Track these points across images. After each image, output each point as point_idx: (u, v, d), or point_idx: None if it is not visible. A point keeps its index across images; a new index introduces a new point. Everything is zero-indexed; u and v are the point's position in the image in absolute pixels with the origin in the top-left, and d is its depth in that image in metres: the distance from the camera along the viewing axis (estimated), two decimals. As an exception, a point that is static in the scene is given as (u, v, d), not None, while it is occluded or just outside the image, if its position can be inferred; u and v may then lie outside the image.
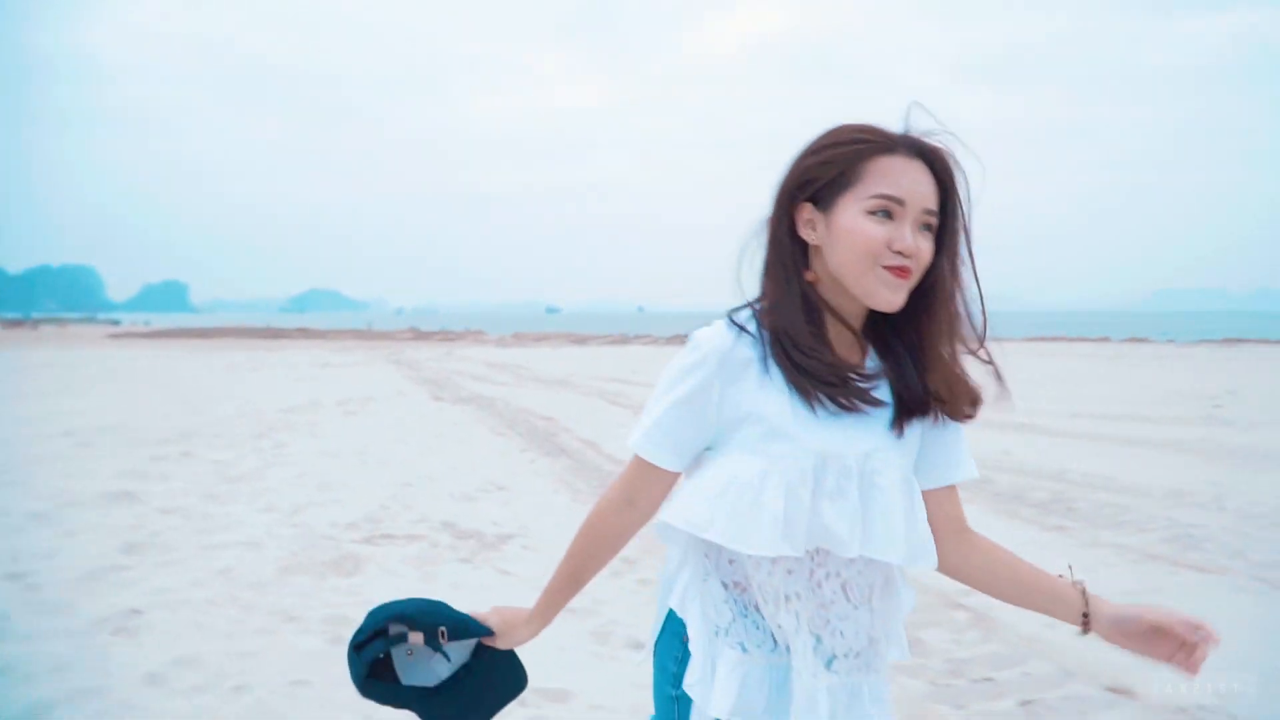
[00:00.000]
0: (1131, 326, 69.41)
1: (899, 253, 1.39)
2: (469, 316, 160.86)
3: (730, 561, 1.49)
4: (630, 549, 5.93)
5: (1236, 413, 13.27)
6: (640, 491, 1.52)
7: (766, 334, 1.45)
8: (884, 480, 1.44)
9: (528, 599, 1.61)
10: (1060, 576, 1.56)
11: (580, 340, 44.48)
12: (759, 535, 1.39)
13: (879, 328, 1.51)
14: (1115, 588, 5.09)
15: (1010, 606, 4.36)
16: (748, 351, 1.44)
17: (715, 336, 1.45)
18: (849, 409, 1.42)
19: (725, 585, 1.51)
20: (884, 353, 1.51)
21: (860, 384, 1.43)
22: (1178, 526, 6.35)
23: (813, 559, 1.46)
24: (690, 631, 1.51)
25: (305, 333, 49.64)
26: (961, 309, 1.47)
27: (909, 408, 1.47)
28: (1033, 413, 13.11)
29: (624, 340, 45.44)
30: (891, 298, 1.41)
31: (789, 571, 1.45)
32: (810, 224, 1.46)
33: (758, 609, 1.49)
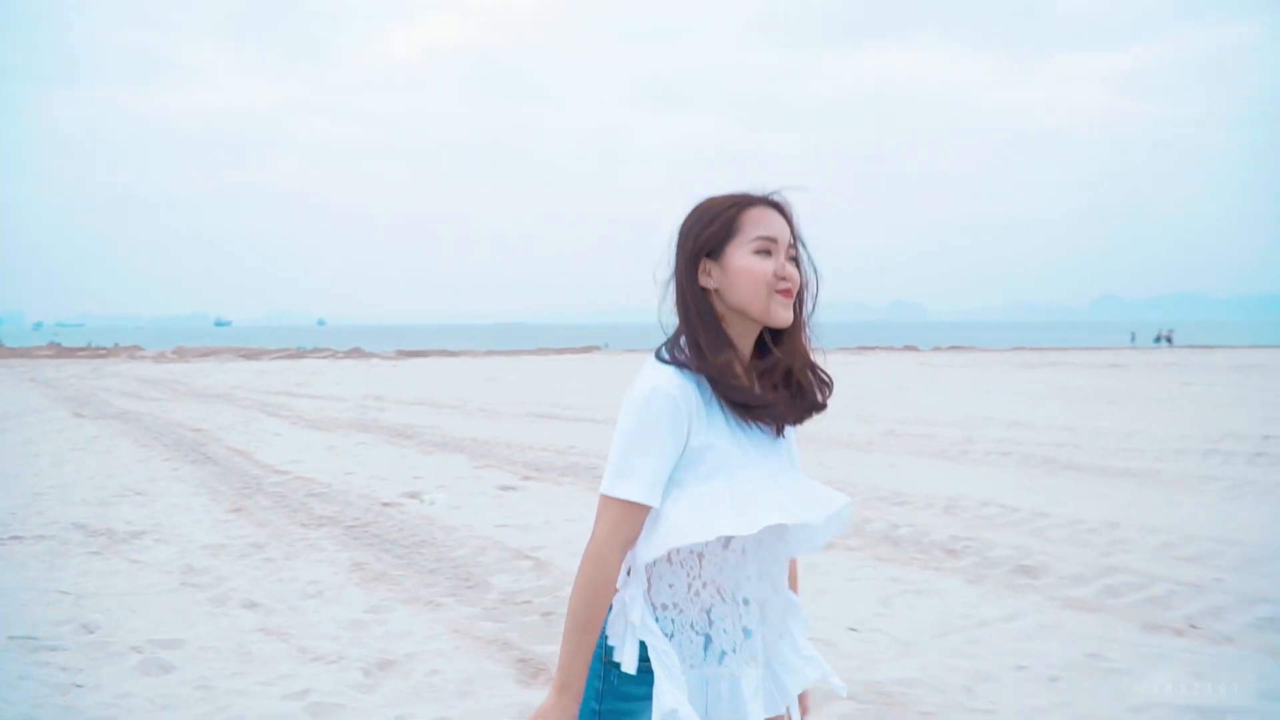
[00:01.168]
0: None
1: (784, 279, 1.72)
2: (125, 331, 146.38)
3: (670, 586, 1.71)
4: (260, 534, 6.65)
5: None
6: (632, 532, 1.65)
7: (700, 375, 1.69)
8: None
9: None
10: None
11: (251, 355, 42.76)
12: (742, 520, 1.64)
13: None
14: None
15: (563, 554, 5.82)
16: (696, 392, 1.68)
17: (678, 384, 1.67)
18: (766, 430, 1.75)
19: (657, 608, 1.71)
20: (762, 377, 1.79)
21: (772, 413, 1.73)
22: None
23: (743, 550, 1.74)
24: (652, 649, 1.66)
25: (-82, 350, 43.79)
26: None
27: (787, 420, 1.79)
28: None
29: (299, 355, 44.22)
30: (786, 315, 1.73)
31: (734, 564, 1.74)
32: (707, 273, 1.75)
33: (691, 625, 1.71)
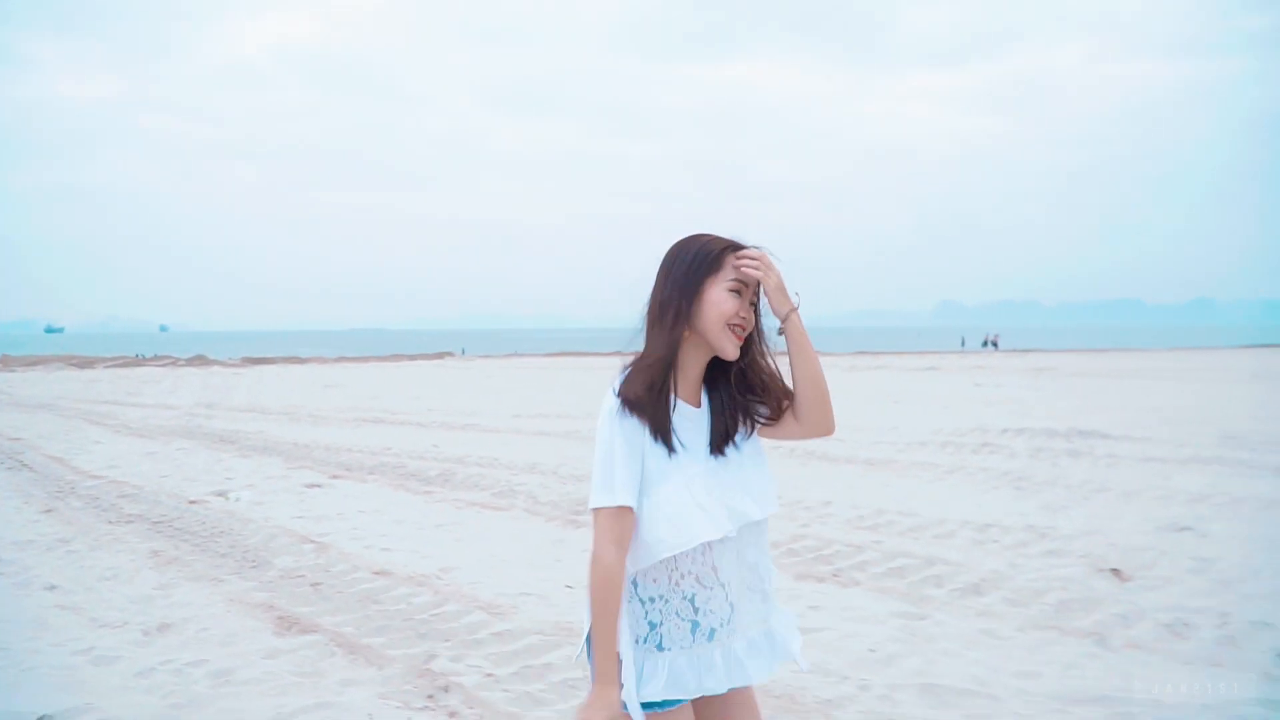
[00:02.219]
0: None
1: (743, 317, 2.02)
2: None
3: (654, 580, 1.99)
4: (68, 531, 7.25)
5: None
6: (624, 534, 1.93)
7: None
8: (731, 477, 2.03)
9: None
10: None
11: (84, 364, 41.27)
12: (703, 529, 1.94)
13: (711, 374, 2.11)
14: (443, 521, 7.45)
15: (346, 538, 6.78)
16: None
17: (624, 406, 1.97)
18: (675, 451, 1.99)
19: (645, 601, 1.99)
20: (711, 391, 2.10)
21: (673, 436, 1.99)
22: (507, 486, 9.01)
23: (708, 545, 1.99)
24: (620, 644, 1.94)
25: None
26: (766, 350, 2.11)
27: (722, 434, 2.06)
28: (471, 413, 15.88)
29: (137, 363, 42.93)
30: (733, 350, 2.02)
31: (705, 554, 1.99)
32: None
33: (676, 613, 1.98)
